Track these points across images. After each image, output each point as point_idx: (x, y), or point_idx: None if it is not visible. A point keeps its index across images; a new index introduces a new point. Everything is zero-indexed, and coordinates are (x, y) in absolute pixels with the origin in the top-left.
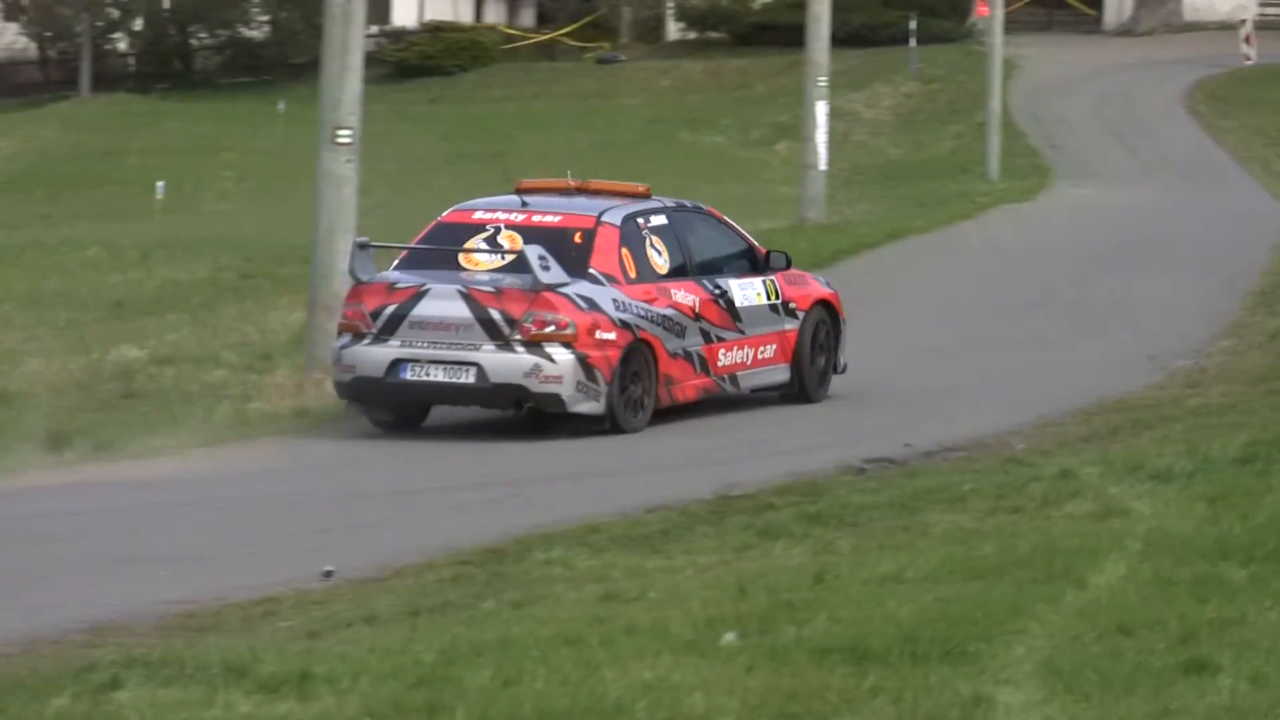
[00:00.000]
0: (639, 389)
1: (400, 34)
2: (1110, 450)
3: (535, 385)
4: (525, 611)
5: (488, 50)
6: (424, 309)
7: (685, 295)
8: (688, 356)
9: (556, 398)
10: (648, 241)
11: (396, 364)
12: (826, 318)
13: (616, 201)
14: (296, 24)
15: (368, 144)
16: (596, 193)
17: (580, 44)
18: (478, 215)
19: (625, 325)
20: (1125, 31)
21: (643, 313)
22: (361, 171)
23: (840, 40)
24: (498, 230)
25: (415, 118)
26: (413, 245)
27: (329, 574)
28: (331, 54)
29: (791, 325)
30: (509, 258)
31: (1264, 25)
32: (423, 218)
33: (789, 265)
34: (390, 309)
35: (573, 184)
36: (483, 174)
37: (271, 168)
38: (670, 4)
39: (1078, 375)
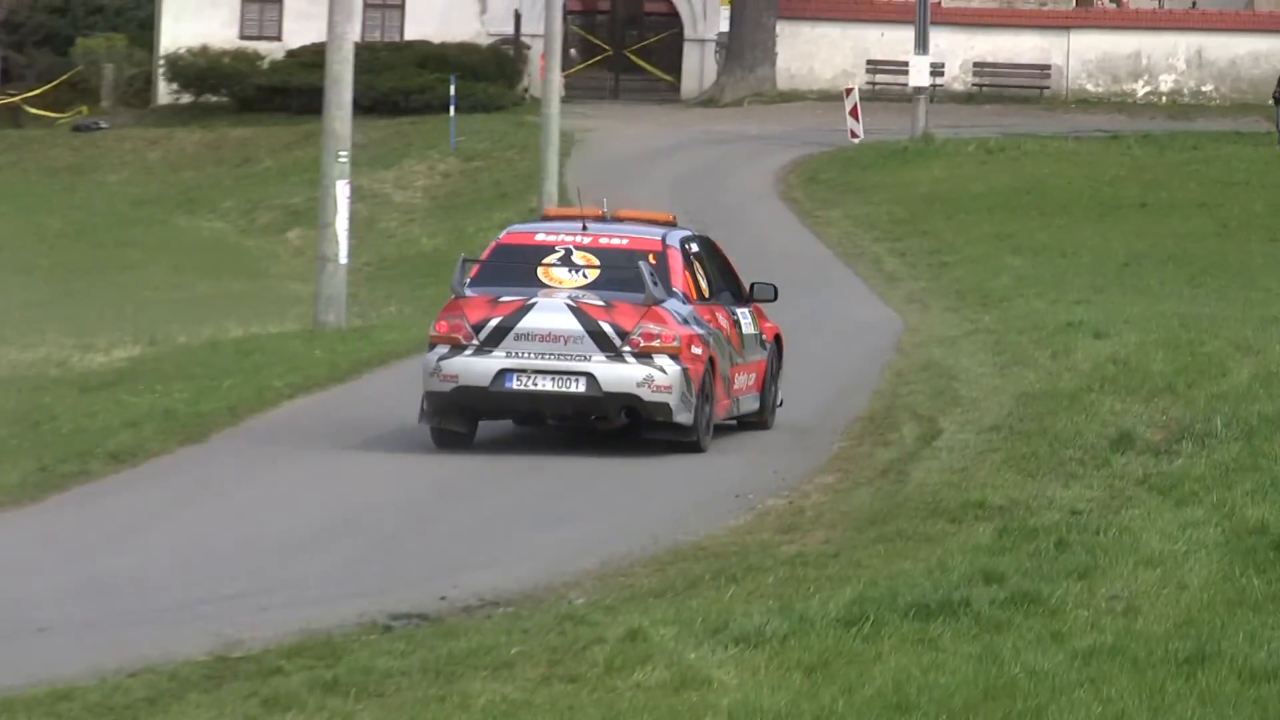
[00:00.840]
0: (709, 404)
1: None
2: (688, 607)
3: (647, 394)
4: None
5: None
6: (531, 321)
7: (723, 318)
8: (724, 377)
9: (665, 406)
10: (694, 265)
11: (503, 374)
12: (776, 352)
13: (664, 227)
14: None
15: None
16: (625, 221)
17: (52, 110)
18: (540, 237)
19: (705, 342)
20: (709, 101)
21: (710, 332)
22: None
23: (365, 108)
24: (569, 251)
25: None
26: (483, 259)
27: None
28: None
29: (763, 356)
30: (590, 275)
31: (873, 96)
32: None
33: (776, 297)
34: (495, 321)
35: (604, 213)
36: None
37: None
38: (160, 61)
39: (650, 514)
